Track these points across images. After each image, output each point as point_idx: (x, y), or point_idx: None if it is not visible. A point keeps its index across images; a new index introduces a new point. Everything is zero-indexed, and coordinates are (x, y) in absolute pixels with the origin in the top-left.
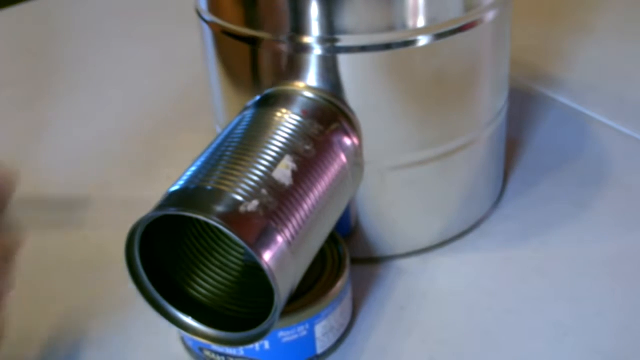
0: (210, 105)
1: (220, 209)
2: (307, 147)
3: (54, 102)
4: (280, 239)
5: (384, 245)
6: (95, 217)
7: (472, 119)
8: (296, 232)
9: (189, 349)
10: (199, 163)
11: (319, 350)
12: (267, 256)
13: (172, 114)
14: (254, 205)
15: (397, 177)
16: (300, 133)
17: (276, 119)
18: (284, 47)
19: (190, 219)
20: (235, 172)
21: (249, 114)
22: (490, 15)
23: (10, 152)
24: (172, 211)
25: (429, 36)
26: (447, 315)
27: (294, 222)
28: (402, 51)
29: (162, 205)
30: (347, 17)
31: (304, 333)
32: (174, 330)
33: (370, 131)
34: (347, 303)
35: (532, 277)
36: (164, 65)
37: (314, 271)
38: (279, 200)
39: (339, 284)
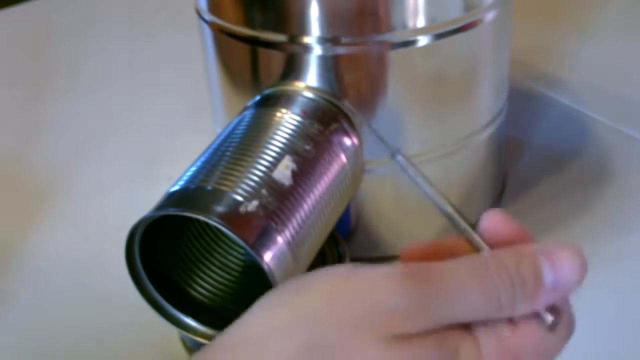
0: (210, 106)
1: (220, 209)
2: (307, 147)
3: (54, 102)
4: (280, 239)
5: (384, 245)
6: (96, 217)
7: (472, 119)
8: (296, 232)
9: (189, 349)
10: (199, 163)
11: None
12: (267, 256)
13: (172, 114)
14: (253, 205)
15: (397, 177)
16: (300, 133)
17: (276, 119)
18: (284, 47)
19: (190, 219)
20: (235, 172)
21: (248, 114)
22: (490, 15)
23: (10, 151)
24: (172, 211)
25: (429, 36)
26: None
27: (294, 222)
28: (402, 51)
29: (162, 205)
30: (347, 17)
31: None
32: (174, 330)
33: (370, 131)
34: None
35: None
36: (164, 65)
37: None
38: (279, 200)
39: None
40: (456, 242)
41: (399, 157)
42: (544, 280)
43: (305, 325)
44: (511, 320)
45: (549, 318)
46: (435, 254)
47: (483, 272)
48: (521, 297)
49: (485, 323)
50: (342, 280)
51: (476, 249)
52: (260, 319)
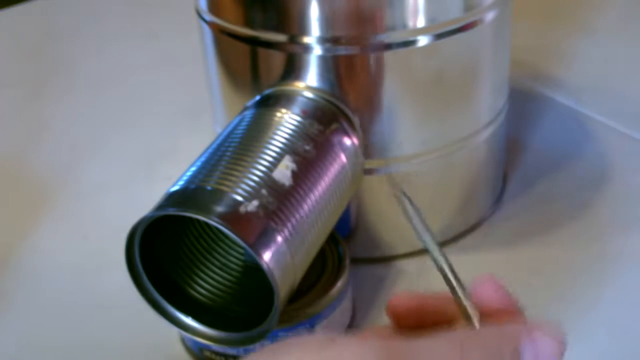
0: (210, 105)
1: (220, 209)
2: (307, 147)
3: (54, 102)
4: (280, 239)
5: (384, 245)
6: (95, 217)
7: (472, 119)
8: (296, 232)
9: (189, 349)
10: (199, 163)
11: None
12: (267, 256)
13: (172, 114)
14: (253, 205)
15: (397, 177)
16: (300, 133)
17: (276, 119)
18: (284, 47)
19: (190, 219)
20: (235, 172)
21: (248, 114)
22: (490, 15)
23: (10, 152)
24: (172, 211)
25: (429, 36)
26: None
27: (294, 222)
28: (402, 51)
29: (162, 205)
30: (347, 18)
31: (305, 333)
32: (174, 330)
33: (370, 131)
34: (347, 303)
35: (532, 277)
36: (164, 65)
37: (314, 271)
38: (279, 201)
39: (339, 284)
40: (444, 301)
41: (426, 238)
42: None
43: None
44: None
45: None
46: (422, 310)
47: (460, 352)
48: None
49: None
50: (312, 354)
51: (465, 315)
52: None
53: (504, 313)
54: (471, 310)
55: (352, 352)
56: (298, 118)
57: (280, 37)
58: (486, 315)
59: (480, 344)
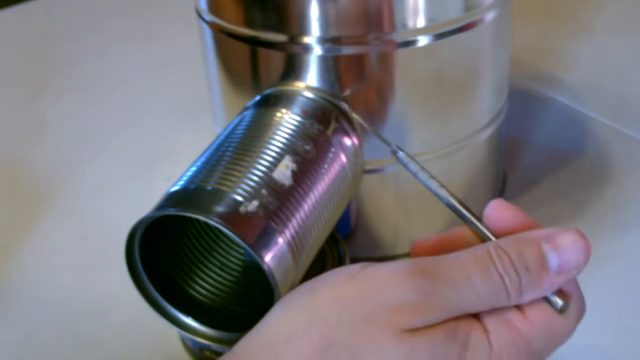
0: (210, 106)
1: (220, 209)
2: (307, 147)
3: (54, 102)
4: (280, 239)
5: (384, 245)
6: (95, 217)
7: (472, 119)
8: (296, 232)
9: (189, 349)
10: (199, 163)
11: None
12: (267, 256)
13: (172, 114)
14: (254, 205)
15: (397, 177)
16: (300, 133)
17: (276, 119)
18: (284, 47)
19: (190, 219)
20: (235, 172)
21: (248, 114)
22: (490, 15)
23: (10, 151)
24: (172, 211)
25: (429, 36)
26: None
27: (294, 222)
28: (402, 51)
29: (162, 206)
30: (347, 18)
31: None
32: (174, 330)
33: (369, 130)
34: None
35: None
36: (164, 65)
37: (314, 271)
38: (279, 201)
39: None
40: (464, 234)
41: (400, 153)
42: (548, 264)
43: (318, 327)
44: (520, 308)
45: (559, 302)
46: (445, 247)
47: (486, 261)
48: (527, 283)
49: (494, 312)
50: (347, 281)
51: (482, 240)
52: (276, 323)
53: (521, 229)
54: (486, 232)
55: (384, 270)
56: (298, 118)
57: (280, 37)
58: (504, 236)
59: (504, 250)
